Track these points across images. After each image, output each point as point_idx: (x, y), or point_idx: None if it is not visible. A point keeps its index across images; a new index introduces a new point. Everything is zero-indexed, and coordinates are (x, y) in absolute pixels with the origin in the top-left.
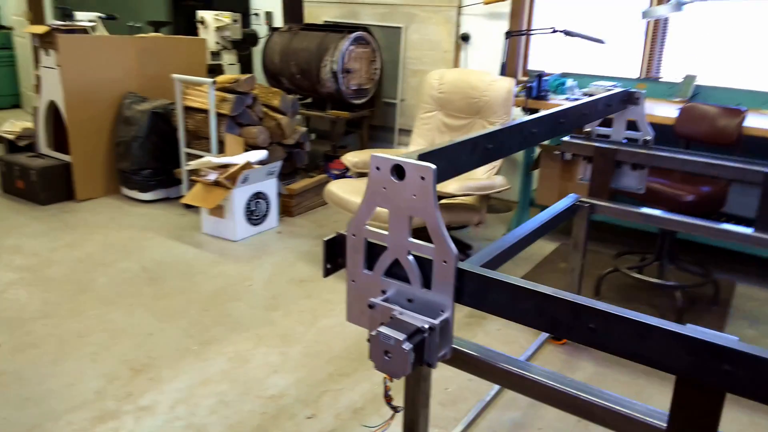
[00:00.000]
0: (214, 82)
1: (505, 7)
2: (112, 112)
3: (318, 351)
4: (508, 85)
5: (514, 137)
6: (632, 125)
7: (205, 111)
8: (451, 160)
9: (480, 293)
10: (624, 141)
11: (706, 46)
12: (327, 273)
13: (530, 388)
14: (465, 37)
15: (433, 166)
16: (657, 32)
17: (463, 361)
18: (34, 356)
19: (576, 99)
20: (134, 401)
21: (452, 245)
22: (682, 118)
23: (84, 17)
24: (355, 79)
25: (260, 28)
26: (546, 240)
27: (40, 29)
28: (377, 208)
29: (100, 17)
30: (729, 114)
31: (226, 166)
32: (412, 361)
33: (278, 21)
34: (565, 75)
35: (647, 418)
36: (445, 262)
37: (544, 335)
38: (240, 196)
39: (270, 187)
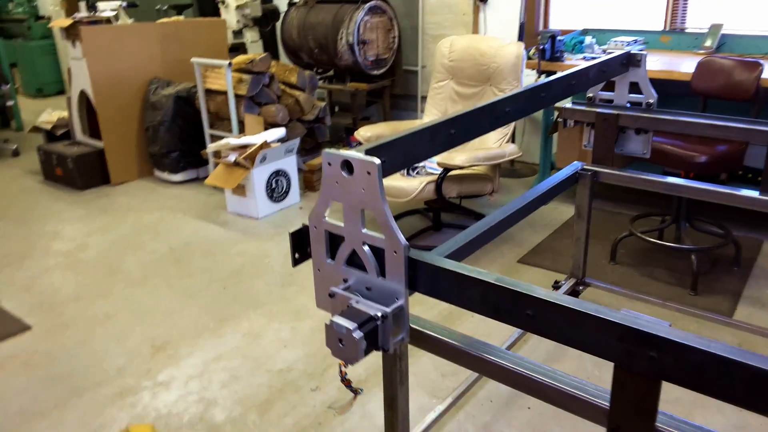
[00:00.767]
0: (230, 64)
1: None
2: (139, 98)
3: None
4: (516, 50)
5: (483, 119)
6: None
7: (224, 93)
8: (407, 150)
9: (431, 281)
10: (627, 105)
11: None
12: (295, 262)
13: (483, 367)
14: None
15: (378, 161)
16: None
17: (425, 342)
18: (63, 337)
19: (594, 58)
20: (152, 377)
21: (400, 236)
22: (699, 73)
23: (107, 7)
24: (372, 50)
25: (281, 3)
26: (569, 205)
27: (64, 23)
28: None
29: (122, 5)
30: (746, 67)
31: (244, 147)
32: (364, 348)
33: None
34: (585, 32)
35: (593, 399)
36: (395, 252)
37: None
38: (260, 174)
39: (290, 164)
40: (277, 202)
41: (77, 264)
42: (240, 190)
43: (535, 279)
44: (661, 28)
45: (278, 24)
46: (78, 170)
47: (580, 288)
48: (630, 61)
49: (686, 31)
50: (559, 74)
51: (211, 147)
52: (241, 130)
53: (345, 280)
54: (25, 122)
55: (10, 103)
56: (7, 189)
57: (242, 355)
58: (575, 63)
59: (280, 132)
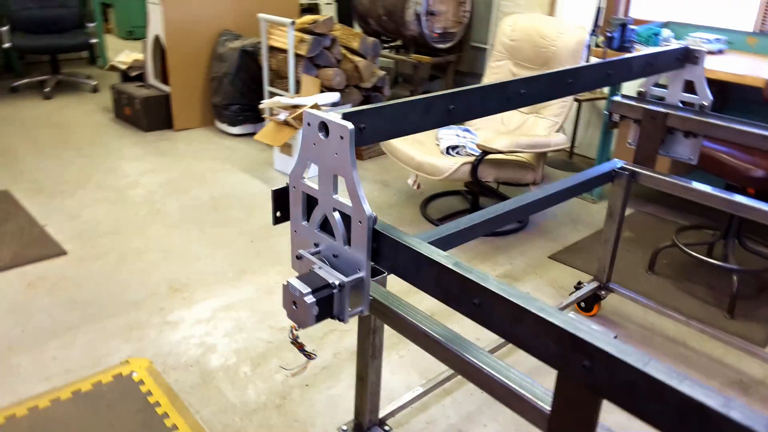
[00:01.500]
0: (293, 23)
1: None
2: (209, 49)
3: None
4: (578, 35)
5: (490, 99)
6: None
7: (286, 51)
8: (396, 119)
9: (392, 256)
10: (679, 105)
11: None
12: (276, 221)
13: (437, 351)
14: None
15: (351, 126)
16: None
17: (384, 315)
18: (93, 266)
19: None
20: (163, 316)
21: (366, 206)
22: None
23: None
24: (440, 22)
25: None
26: None
27: None
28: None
29: None
30: None
31: (296, 107)
32: (316, 314)
33: None
34: (666, 25)
35: (537, 401)
36: (360, 222)
37: (570, 300)
38: None
39: None
40: None
41: (124, 200)
42: (287, 148)
43: (560, 277)
44: (750, 29)
45: None
46: (144, 112)
47: (602, 293)
48: (687, 56)
49: None
50: (594, 61)
51: (264, 103)
52: (298, 90)
53: (316, 245)
54: (110, 61)
55: (93, 41)
56: (80, 122)
57: (251, 308)
58: None
59: (333, 96)
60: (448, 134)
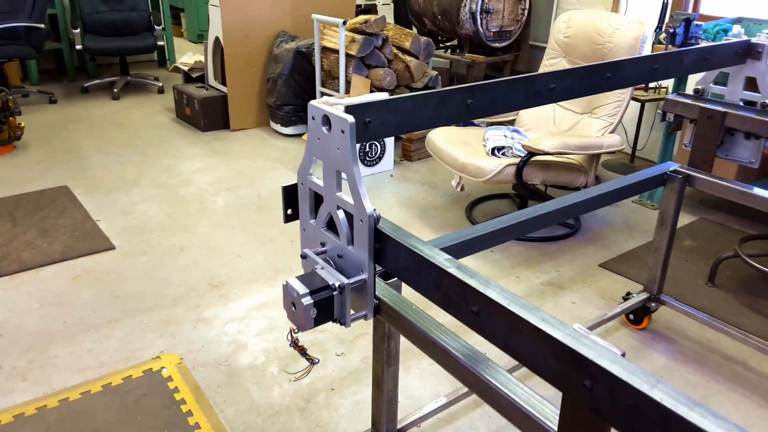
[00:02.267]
0: (344, 22)
1: None
2: (266, 50)
3: None
4: (636, 30)
5: (514, 93)
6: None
7: (338, 51)
8: (405, 114)
9: (394, 258)
10: (740, 103)
11: None
12: (287, 219)
13: (448, 363)
14: None
15: (351, 119)
16: None
17: (395, 320)
18: (138, 262)
19: None
20: (199, 313)
21: (368, 204)
22: None
23: None
24: (496, 21)
25: None
26: (683, 212)
27: None
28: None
29: None
30: None
31: None
32: (314, 316)
33: None
34: (739, 20)
35: (544, 420)
36: (361, 221)
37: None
38: None
39: None
40: (369, 166)
41: (175, 197)
42: None
43: (610, 287)
44: None
45: None
46: (203, 112)
47: (653, 305)
48: (749, 51)
49: None
50: (640, 54)
51: (311, 104)
52: (348, 91)
53: (323, 244)
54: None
55: (161, 43)
56: (143, 122)
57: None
58: None
59: (381, 97)
60: (496, 134)
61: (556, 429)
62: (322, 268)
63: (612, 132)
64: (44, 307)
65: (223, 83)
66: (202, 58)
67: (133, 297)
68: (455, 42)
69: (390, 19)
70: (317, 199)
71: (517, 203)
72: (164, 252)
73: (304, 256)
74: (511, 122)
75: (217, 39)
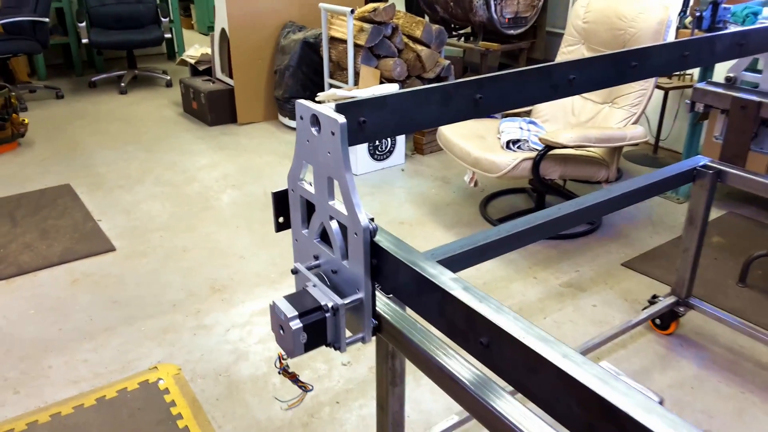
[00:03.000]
0: (353, 11)
1: None
2: (272, 41)
3: None
4: (661, 14)
5: (529, 86)
6: None
7: (346, 41)
8: (404, 112)
9: (393, 276)
10: None
11: None
12: (279, 228)
13: (456, 393)
14: None
15: (342, 120)
16: None
17: (396, 340)
18: (138, 264)
19: None
20: (199, 319)
21: (362, 216)
22: None
23: None
24: (511, 7)
25: None
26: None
27: None
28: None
29: None
30: None
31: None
32: (304, 341)
33: None
34: None
35: None
36: (356, 234)
37: (641, 318)
38: None
39: None
40: (378, 160)
41: (179, 195)
42: None
43: (634, 288)
44: None
45: None
46: (209, 106)
47: (681, 310)
48: None
49: None
50: (665, 40)
51: (320, 96)
52: (357, 82)
53: (316, 257)
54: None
55: (168, 36)
56: (149, 117)
57: None
58: None
59: (392, 88)
60: (511, 126)
61: None
62: (314, 286)
63: (635, 123)
64: (40, 314)
65: (230, 76)
66: (209, 51)
67: (131, 302)
68: (468, 30)
69: (400, 6)
70: (310, 207)
71: (534, 198)
72: (166, 253)
73: (295, 271)
74: (527, 113)
75: (223, 30)
